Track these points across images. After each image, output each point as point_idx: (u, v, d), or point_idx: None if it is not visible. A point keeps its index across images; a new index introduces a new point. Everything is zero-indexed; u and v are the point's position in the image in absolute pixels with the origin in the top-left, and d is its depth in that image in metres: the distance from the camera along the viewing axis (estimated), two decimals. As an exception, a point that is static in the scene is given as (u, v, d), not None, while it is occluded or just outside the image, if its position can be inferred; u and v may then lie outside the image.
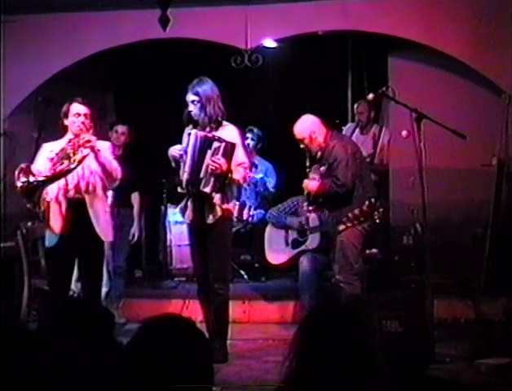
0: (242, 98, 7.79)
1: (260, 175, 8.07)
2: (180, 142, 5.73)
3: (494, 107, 7.18)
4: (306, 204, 6.42)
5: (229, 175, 5.54)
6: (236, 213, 7.24)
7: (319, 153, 6.19)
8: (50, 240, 5.72)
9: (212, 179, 5.51)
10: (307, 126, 6.20)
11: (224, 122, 5.65)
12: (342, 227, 6.04)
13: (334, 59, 8.56)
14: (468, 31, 7.13)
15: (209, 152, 5.52)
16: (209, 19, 7.35)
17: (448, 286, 6.55)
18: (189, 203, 5.69)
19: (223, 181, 5.54)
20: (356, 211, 5.90)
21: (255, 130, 8.15)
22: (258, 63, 7.37)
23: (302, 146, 6.20)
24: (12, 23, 7.43)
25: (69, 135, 5.68)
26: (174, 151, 5.67)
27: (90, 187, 5.62)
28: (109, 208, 5.85)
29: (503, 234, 7.00)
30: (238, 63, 7.36)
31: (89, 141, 5.50)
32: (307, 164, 6.28)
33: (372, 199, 5.90)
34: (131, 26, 7.44)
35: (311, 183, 6.21)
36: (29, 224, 6.54)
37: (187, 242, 6.89)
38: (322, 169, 6.17)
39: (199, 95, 5.56)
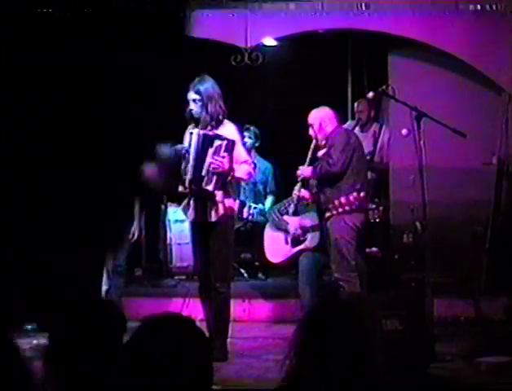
0: (242, 96, 7.78)
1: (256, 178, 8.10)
2: (180, 141, 5.74)
3: (494, 106, 7.18)
4: (297, 188, 6.44)
5: (231, 173, 5.56)
6: (236, 212, 7.26)
7: (323, 142, 6.26)
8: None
9: (214, 177, 5.52)
10: (320, 115, 6.32)
11: (225, 120, 5.67)
12: (327, 214, 6.14)
13: (334, 57, 8.55)
14: (468, 30, 7.12)
15: (211, 150, 5.53)
16: (208, 18, 7.35)
17: (448, 284, 6.55)
18: (191, 201, 5.70)
19: (226, 178, 5.56)
20: (342, 199, 5.99)
21: (252, 128, 8.14)
22: (257, 61, 7.36)
23: (310, 132, 6.31)
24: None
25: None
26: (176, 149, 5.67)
27: None
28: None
29: (503, 233, 7.00)
30: (238, 61, 7.35)
31: None
32: (310, 152, 6.36)
33: (362, 193, 5.98)
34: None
35: (306, 169, 6.29)
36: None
37: (187, 240, 6.90)
38: (320, 153, 6.23)
39: (200, 94, 5.57)
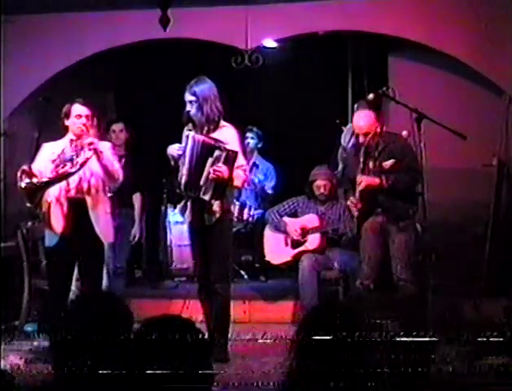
0: (242, 98, 7.79)
1: (259, 178, 8.08)
2: (180, 142, 5.72)
3: (494, 107, 7.18)
4: (352, 198, 6.14)
5: (230, 183, 5.52)
6: (236, 213, 7.25)
7: (379, 147, 6.06)
8: (50, 240, 5.71)
9: (212, 187, 5.47)
10: (373, 121, 6.07)
11: (222, 122, 5.62)
12: (402, 224, 6.06)
13: (334, 59, 8.56)
14: (468, 31, 7.13)
15: (210, 160, 5.48)
16: (209, 19, 7.36)
17: (448, 286, 6.54)
18: (188, 203, 5.68)
19: (224, 188, 5.52)
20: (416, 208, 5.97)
21: (255, 129, 8.15)
22: (258, 63, 7.38)
23: (361, 140, 6.05)
24: (12, 23, 7.44)
25: (70, 135, 5.69)
26: (173, 150, 5.65)
27: (92, 189, 5.63)
28: (110, 209, 5.84)
29: (503, 234, 7.00)
30: (238, 63, 7.36)
31: (91, 143, 5.51)
32: (362, 159, 6.07)
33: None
34: (132, 26, 7.45)
35: (370, 179, 6.03)
36: (29, 224, 6.54)
37: (187, 242, 6.89)
38: (388, 163, 6.03)
39: (196, 95, 5.54)
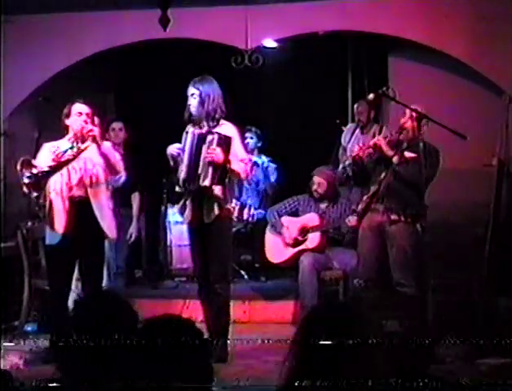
0: (242, 98, 7.79)
1: (265, 178, 8.10)
2: (180, 142, 5.74)
3: (494, 107, 7.17)
4: (362, 145, 6.08)
5: (228, 166, 5.53)
6: (236, 213, 7.26)
7: (412, 141, 5.89)
8: (50, 238, 5.70)
9: (210, 171, 5.49)
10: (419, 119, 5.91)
11: (222, 121, 5.65)
12: (394, 217, 5.95)
13: (334, 59, 8.57)
14: (468, 31, 7.13)
15: (204, 147, 5.52)
16: (209, 19, 7.37)
17: (447, 285, 6.55)
18: (188, 202, 5.69)
19: (222, 172, 5.53)
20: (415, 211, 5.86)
21: (254, 129, 8.15)
22: (258, 63, 7.39)
23: (403, 120, 5.92)
24: (12, 23, 7.44)
25: (70, 135, 5.70)
26: (173, 149, 5.67)
27: (94, 180, 5.63)
28: (113, 206, 5.84)
29: (503, 234, 6.99)
30: (238, 63, 7.37)
31: (91, 130, 5.54)
32: (393, 133, 6.04)
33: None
34: (132, 26, 7.46)
35: (386, 145, 5.94)
36: (29, 224, 6.54)
37: (187, 242, 6.90)
38: (410, 154, 5.90)
39: (199, 89, 5.57)
